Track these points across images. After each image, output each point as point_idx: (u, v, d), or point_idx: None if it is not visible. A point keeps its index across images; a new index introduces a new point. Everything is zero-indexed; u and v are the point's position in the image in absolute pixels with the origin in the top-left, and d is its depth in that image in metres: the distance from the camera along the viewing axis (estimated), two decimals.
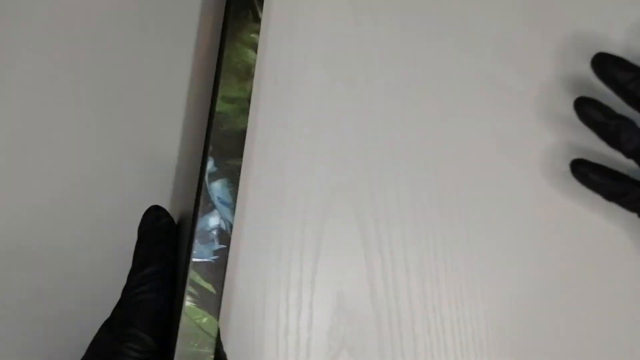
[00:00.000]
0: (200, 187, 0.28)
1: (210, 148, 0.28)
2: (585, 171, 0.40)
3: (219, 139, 0.28)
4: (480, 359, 0.40)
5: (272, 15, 0.41)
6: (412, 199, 0.41)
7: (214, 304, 0.27)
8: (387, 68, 0.42)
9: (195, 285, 0.27)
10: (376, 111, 0.41)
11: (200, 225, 0.27)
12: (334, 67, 0.41)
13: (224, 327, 0.39)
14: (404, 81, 0.42)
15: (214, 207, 0.28)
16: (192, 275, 0.27)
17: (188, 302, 0.27)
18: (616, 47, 0.42)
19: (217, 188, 0.28)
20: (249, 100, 0.28)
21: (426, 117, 0.42)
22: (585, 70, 0.40)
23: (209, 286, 0.27)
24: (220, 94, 0.28)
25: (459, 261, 0.41)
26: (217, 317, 0.27)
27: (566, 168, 0.41)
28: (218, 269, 0.28)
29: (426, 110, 0.42)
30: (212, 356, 0.27)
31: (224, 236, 0.28)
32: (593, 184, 0.40)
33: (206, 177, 0.28)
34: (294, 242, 0.40)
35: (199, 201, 0.28)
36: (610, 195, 0.40)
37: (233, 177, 0.28)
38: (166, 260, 0.31)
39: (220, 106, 0.28)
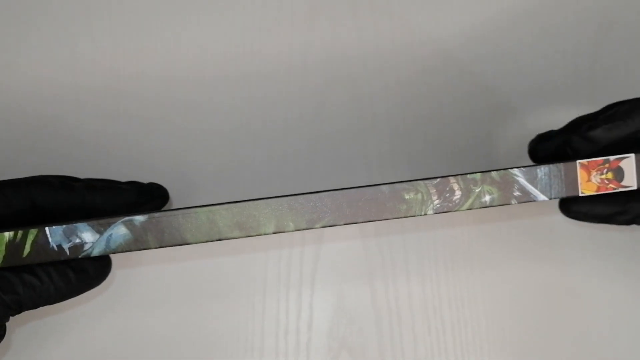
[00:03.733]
0: None
1: None
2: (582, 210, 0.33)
3: None
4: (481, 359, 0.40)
5: None
6: None
7: None
8: None
9: None
10: (376, 112, 0.41)
11: None
12: None
13: (223, 326, 0.39)
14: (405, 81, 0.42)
15: None
16: None
17: None
18: None
19: None
20: None
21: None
22: None
23: None
24: None
25: (459, 261, 0.41)
26: None
27: None
28: None
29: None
30: None
31: None
32: (584, 217, 0.34)
33: None
34: (294, 242, 0.40)
35: None
36: (603, 219, 0.34)
37: None
38: None
39: None
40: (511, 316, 0.41)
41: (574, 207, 0.33)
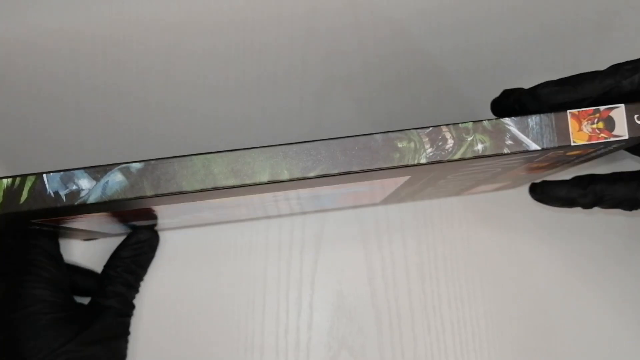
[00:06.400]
0: None
1: None
2: (548, 192, 0.35)
3: None
4: (481, 359, 0.40)
5: None
6: (412, 199, 0.41)
7: None
8: None
9: None
10: (376, 112, 0.42)
11: None
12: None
13: (223, 326, 0.39)
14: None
15: None
16: None
17: None
18: None
19: None
20: None
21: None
22: None
23: None
24: None
25: (459, 261, 0.41)
26: None
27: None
28: None
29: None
30: None
31: None
32: (563, 202, 0.35)
33: None
34: (294, 242, 0.40)
35: None
36: (566, 202, 0.35)
37: None
38: None
39: None
40: (510, 316, 0.41)
41: (539, 189, 0.35)
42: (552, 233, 0.42)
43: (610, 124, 0.27)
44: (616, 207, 0.34)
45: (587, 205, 0.34)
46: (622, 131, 0.27)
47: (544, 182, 0.35)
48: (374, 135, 0.26)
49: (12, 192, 0.26)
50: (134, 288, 0.37)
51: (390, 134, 0.26)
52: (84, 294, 0.37)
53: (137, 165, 0.26)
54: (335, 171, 0.26)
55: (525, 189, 0.42)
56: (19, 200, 0.26)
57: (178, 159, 0.27)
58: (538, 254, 0.42)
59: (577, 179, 0.34)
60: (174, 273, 0.40)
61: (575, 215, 0.42)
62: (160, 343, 0.39)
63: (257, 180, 0.27)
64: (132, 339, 0.37)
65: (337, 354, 0.40)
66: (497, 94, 0.31)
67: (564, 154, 0.29)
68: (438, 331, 0.40)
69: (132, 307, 0.37)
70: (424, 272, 0.41)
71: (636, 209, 0.34)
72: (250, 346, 0.39)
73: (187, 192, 0.26)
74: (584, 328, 0.41)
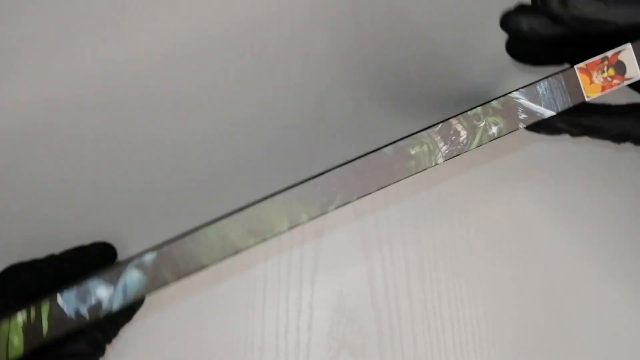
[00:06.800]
0: None
1: None
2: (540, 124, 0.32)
3: None
4: (481, 359, 0.40)
5: None
6: (412, 199, 0.41)
7: None
8: None
9: None
10: (376, 112, 0.42)
11: None
12: None
13: (223, 326, 0.39)
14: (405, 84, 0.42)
15: None
16: None
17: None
18: None
19: None
20: None
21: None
22: None
23: None
24: None
25: (458, 261, 0.41)
26: None
27: (566, 163, 0.41)
28: None
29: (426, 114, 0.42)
30: None
31: None
32: (552, 131, 0.33)
33: None
34: (294, 242, 0.40)
35: None
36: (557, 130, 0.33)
37: None
38: None
39: None
40: (511, 316, 0.41)
41: (533, 128, 0.33)
42: (552, 234, 0.42)
43: (620, 68, 0.26)
44: (606, 139, 0.33)
45: (576, 135, 0.33)
46: (634, 72, 0.25)
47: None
48: (384, 149, 0.25)
49: (32, 327, 0.24)
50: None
51: (399, 143, 0.25)
52: None
53: (150, 257, 0.25)
54: (355, 197, 0.25)
55: (522, 191, 0.42)
56: (42, 333, 0.24)
57: (190, 236, 0.25)
58: (538, 254, 0.42)
59: (570, 109, 0.33)
60: None
61: (576, 215, 0.42)
62: (160, 343, 0.39)
63: (277, 232, 0.25)
64: (132, 338, 0.36)
65: (337, 354, 0.40)
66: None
67: None
68: (438, 331, 0.40)
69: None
70: (424, 272, 0.41)
71: (624, 142, 0.33)
72: (250, 346, 0.39)
73: (209, 266, 0.25)
74: (584, 328, 0.41)
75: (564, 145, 0.42)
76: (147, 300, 0.39)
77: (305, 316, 0.40)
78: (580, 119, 0.32)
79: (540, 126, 0.33)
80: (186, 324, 0.39)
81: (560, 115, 0.32)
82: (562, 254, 0.42)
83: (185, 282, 0.39)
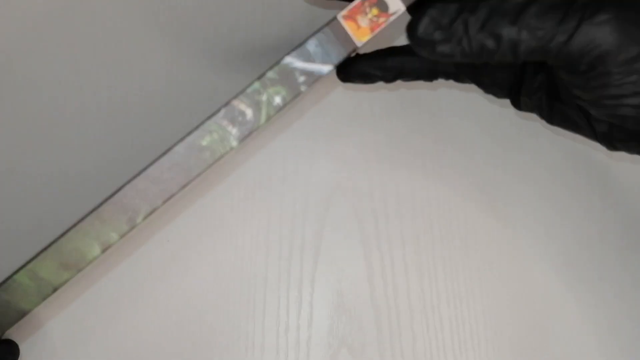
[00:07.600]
0: None
1: None
2: (349, 70, 0.32)
3: None
4: (479, 357, 0.41)
5: None
6: (411, 198, 0.41)
7: None
8: None
9: None
10: (375, 112, 0.42)
11: None
12: None
13: (224, 324, 0.40)
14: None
15: None
16: None
17: None
18: None
19: None
20: None
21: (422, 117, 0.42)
22: None
23: None
24: None
25: (457, 260, 0.41)
26: None
27: (568, 164, 0.41)
28: None
29: (425, 110, 0.42)
30: None
31: None
32: (365, 77, 0.33)
33: None
34: (294, 241, 0.41)
35: None
36: (370, 78, 0.33)
37: None
38: None
39: None
40: (509, 314, 0.41)
41: (343, 70, 0.32)
42: (550, 232, 0.42)
43: (382, 5, 0.25)
44: (417, 79, 0.33)
45: (389, 79, 0.32)
46: (396, 6, 0.25)
47: (348, 60, 0.32)
48: (174, 148, 0.25)
49: None
50: None
51: (188, 138, 0.25)
52: None
53: None
54: (160, 202, 0.25)
55: (521, 185, 0.42)
56: None
57: (2, 287, 0.24)
58: (537, 253, 0.42)
59: (376, 53, 0.32)
60: (173, 272, 0.40)
61: (576, 215, 0.42)
62: (160, 342, 0.39)
63: (90, 258, 0.25)
64: (132, 339, 0.37)
65: (337, 352, 0.40)
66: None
67: None
68: (437, 329, 0.41)
69: None
70: (423, 271, 0.41)
71: (436, 79, 0.33)
72: (251, 345, 0.40)
73: (32, 309, 0.24)
74: (582, 327, 0.41)
75: (563, 144, 0.42)
76: (146, 301, 0.39)
77: (305, 314, 0.40)
78: (387, 62, 0.32)
79: (352, 75, 0.32)
80: (187, 323, 0.40)
81: (368, 60, 0.31)
82: (561, 253, 0.42)
83: (185, 282, 0.40)
